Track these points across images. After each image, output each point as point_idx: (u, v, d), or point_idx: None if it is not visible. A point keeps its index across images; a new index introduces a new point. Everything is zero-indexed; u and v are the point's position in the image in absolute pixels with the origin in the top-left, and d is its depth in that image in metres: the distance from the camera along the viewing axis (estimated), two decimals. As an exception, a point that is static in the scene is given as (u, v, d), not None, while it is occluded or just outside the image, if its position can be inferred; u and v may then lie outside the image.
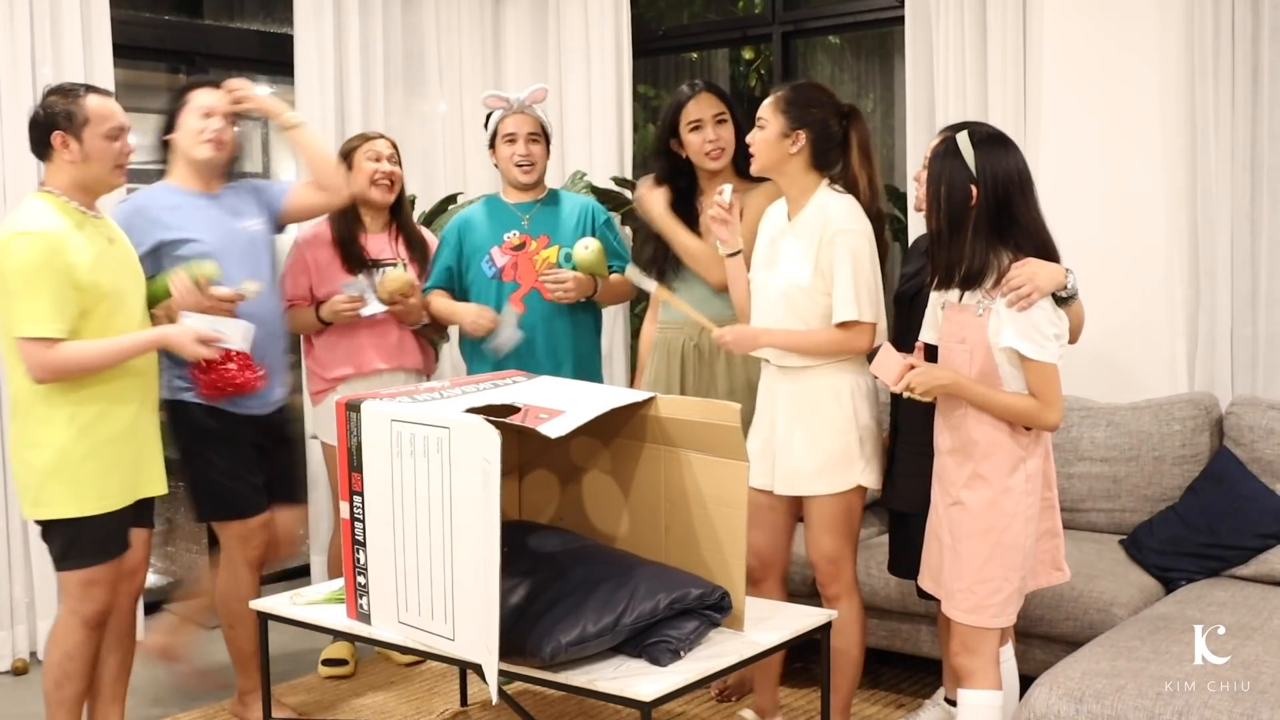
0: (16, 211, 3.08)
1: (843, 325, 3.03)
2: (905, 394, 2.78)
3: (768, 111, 3.10)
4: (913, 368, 2.77)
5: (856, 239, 3.02)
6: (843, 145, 3.12)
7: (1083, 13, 4.19)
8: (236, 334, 3.23)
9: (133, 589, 3.31)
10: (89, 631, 3.13)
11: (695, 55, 6.20)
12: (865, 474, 3.13)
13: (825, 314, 3.05)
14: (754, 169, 3.16)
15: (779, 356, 3.13)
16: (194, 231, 3.39)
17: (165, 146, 3.53)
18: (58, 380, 2.98)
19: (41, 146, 3.06)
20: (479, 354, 3.86)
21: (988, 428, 2.72)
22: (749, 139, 3.15)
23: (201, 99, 3.46)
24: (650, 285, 3.41)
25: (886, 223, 3.18)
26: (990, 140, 2.71)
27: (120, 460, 3.12)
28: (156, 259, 3.34)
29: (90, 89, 3.10)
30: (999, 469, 2.72)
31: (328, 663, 4.11)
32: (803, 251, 3.07)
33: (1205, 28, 3.89)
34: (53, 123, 3.02)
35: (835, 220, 3.03)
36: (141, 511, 3.26)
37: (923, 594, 3.05)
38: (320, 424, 4.10)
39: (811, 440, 3.07)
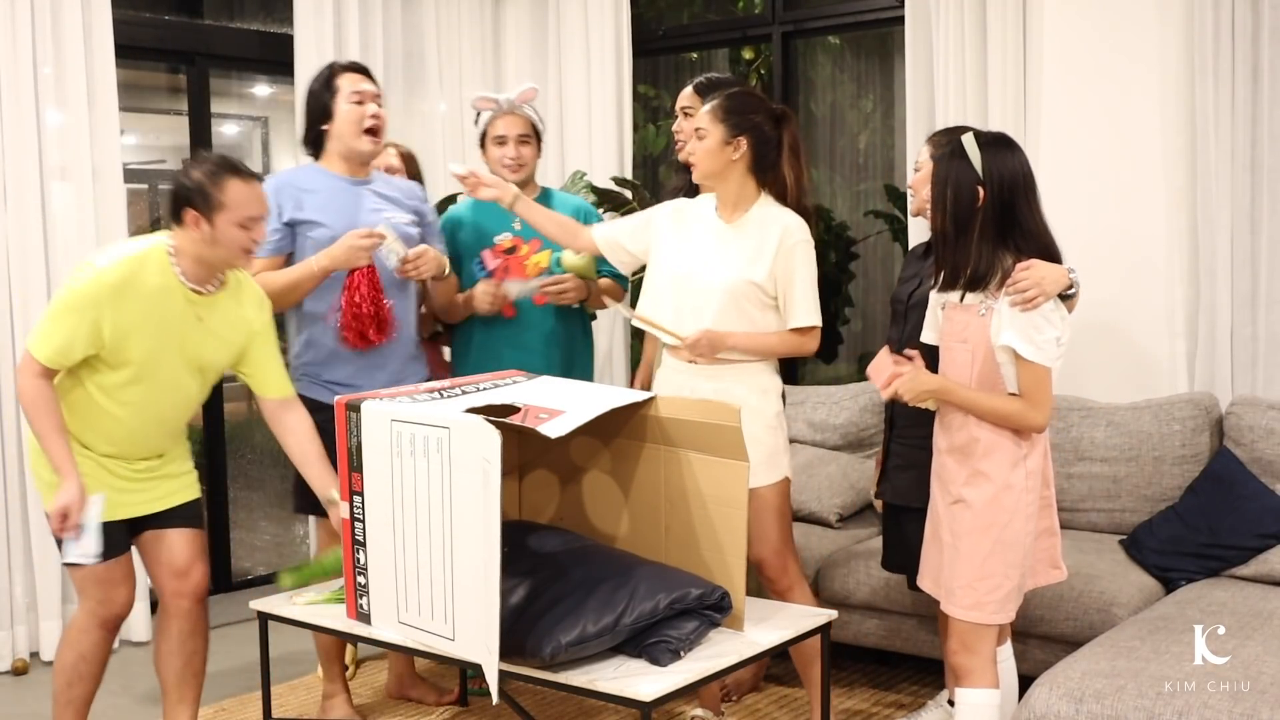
0: (126, 242, 3.06)
1: (798, 330, 3.16)
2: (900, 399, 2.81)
3: (706, 121, 3.15)
4: (899, 375, 2.78)
5: (811, 249, 3.17)
6: (778, 148, 3.18)
7: (1082, 13, 4.20)
8: (87, 523, 2.95)
9: (187, 589, 3.18)
10: (105, 634, 3.14)
11: (695, 55, 6.20)
12: (788, 466, 3.27)
13: (771, 313, 3.16)
14: (696, 177, 3.22)
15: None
16: (325, 216, 3.41)
17: (319, 138, 3.51)
18: (19, 398, 2.98)
19: (176, 216, 2.99)
20: (468, 352, 3.83)
21: (989, 426, 2.73)
22: (689, 150, 3.21)
23: (349, 84, 3.46)
24: (628, 312, 3.44)
25: (814, 220, 3.30)
26: (996, 142, 2.73)
27: (108, 477, 3.06)
28: (291, 236, 3.41)
29: (240, 172, 2.99)
30: (1000, 466, 2.72)
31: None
32: (753, 254, 3.13)
33: (1205, 28, 3.90)
34: (188, 198, 2.96)
35: (795, 231, 3.15)
36: (179, 512, 3.19)
37: (913, 586, 3.06)
38: None
39: (748, 434, 3.09)
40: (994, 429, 2.72)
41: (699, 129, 3.16)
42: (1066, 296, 2.71)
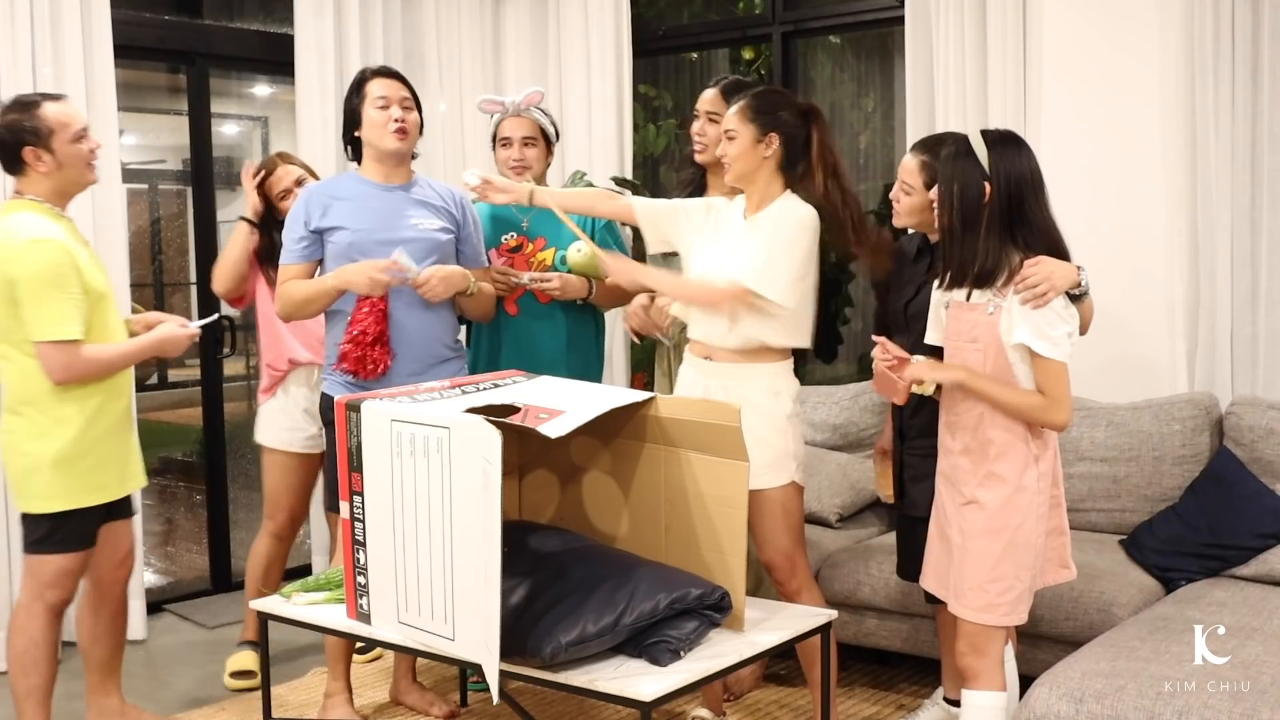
0: (11, 221, 3.13)
1: (737, 289, 3.06)
2: (916, 389, 2.80)
3: (735, 122, 3.13)
4: (906, 362, 2.78)
5: (801, 232, 3.07)
6: (806, 144, 3.15)
7: (1082, 13, 4.20)
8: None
9: (124, 575, 3.47)
10: (53, 619, 3.23)
11: (695, 55, 6.20)
12: (798, 472, 3.21)
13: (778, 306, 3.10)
14: (729, 179, 3.19)
15: (722, 341, 3.15)
16: (347, 221, 3.41)
17: (355, 144, 3.51)
18: (79, 381, 3.14)
19: (13, 163, 3.17)
20: (478, 350, 3.85)
21: (1003, 428, 2.72)
22: (720, 152, 3.19)
23: (376, 89, 3.45)
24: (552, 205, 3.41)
25: (859, 204, 3.24)
26: (1004, 140, 2.73)
27: (114, 454, 3.28)
28: (320, 242, 3.42)
29: (45, 96, 3.21)
30: (1014, 468, 2.72)
31: (236, 675, 4.07)
32: (760, 246, 3.11)
33: (1205, 28, 3.90)
34: (20, 139, 3.13)
35: (804, 219, 3.10)
36: (120, 502, 3.38)
37: (930, 599, 3.05)
38: (261, 427, 4.10)
39: (755, 435, 3.07)
40: (1007, 430, 2.71)
41: (728, 130, 3.14)
42: (1076, 297, 2.71)
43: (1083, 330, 2.82)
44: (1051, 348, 2.65)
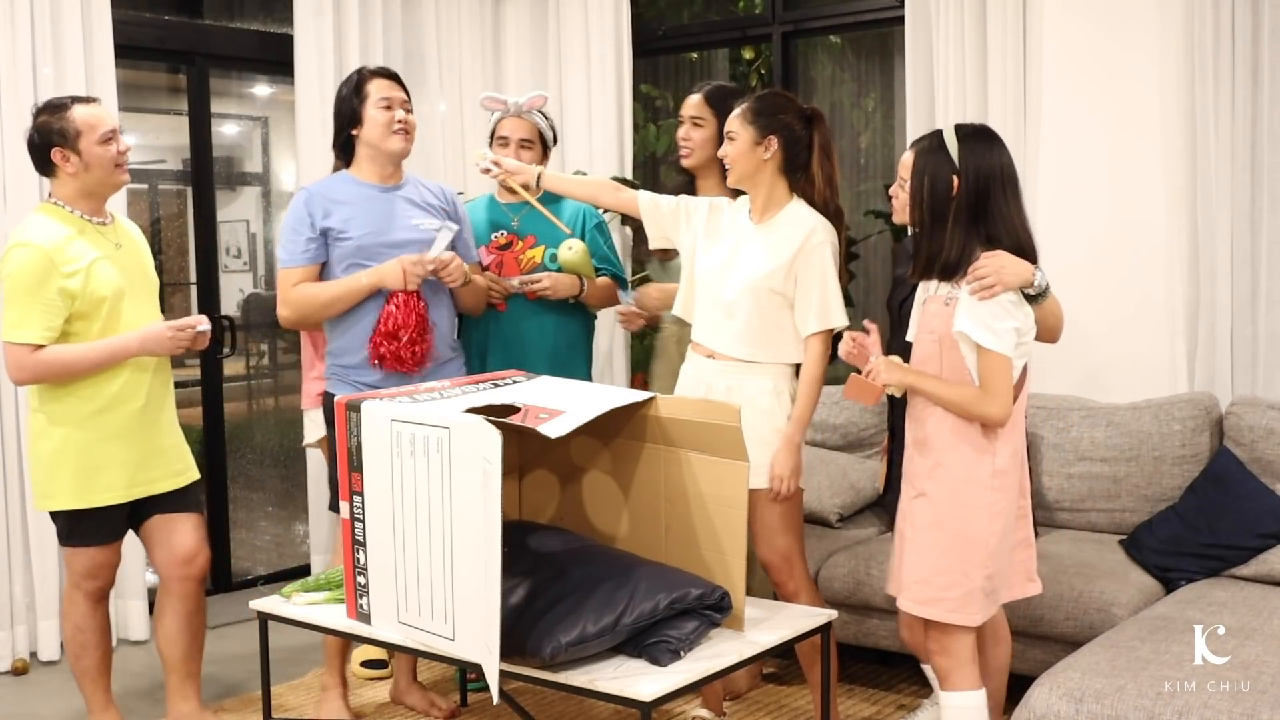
0: (21, 224, 3.28)
1: (812, 335, 3.14)
2: (888, 390, 2.82)
3: (736, 124, 3.16)
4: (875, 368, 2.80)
5: (833, 253, 3.16)
6: (808, 148, 3.18)
7: (1083, 13, 4.20)
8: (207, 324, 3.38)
9: (193, 573, 3.42)
10: (92, 605, 3.35)
11: (695, 55, 6.20)
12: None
13: (782, 312, 3.14)
14: (730, 181, 3.23)
15: (728, 348, 3.17)
16: (351, 224, 3.41)
17: (349, 143, 3.50)
18: (37, 382, 3.20)
19: (44, 165, 3.25)
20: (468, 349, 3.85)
21: (952, 420, 2.72)
22: (721, 153, 3.22)
23: (378, 90, 3.46)
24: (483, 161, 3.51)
25: (844, 219, 3.28)
26: (976, 135, 2.75)
27: (121, 457, 3.27)
28: (325, 244, 3.42)
29: (76, 99, 3.27)
30: (961, 460, 2.71)
31: (367, 664, 4.08)
32: (775, 255, 3.13)
33: (1205, 28, 3.90)
34: (49, 141, 3.20)
35: (819, 232, 3.14)
36: (183, 498, 3.41)
37: None
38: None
39: (756, 435, 3.07)
40: (957, 423, 2.71)
41: (729, 131, 3.17)
42: (1033, 298, 2.71)
43: (1052, 338, 2.83)
44: (993, 339, 2.65)
